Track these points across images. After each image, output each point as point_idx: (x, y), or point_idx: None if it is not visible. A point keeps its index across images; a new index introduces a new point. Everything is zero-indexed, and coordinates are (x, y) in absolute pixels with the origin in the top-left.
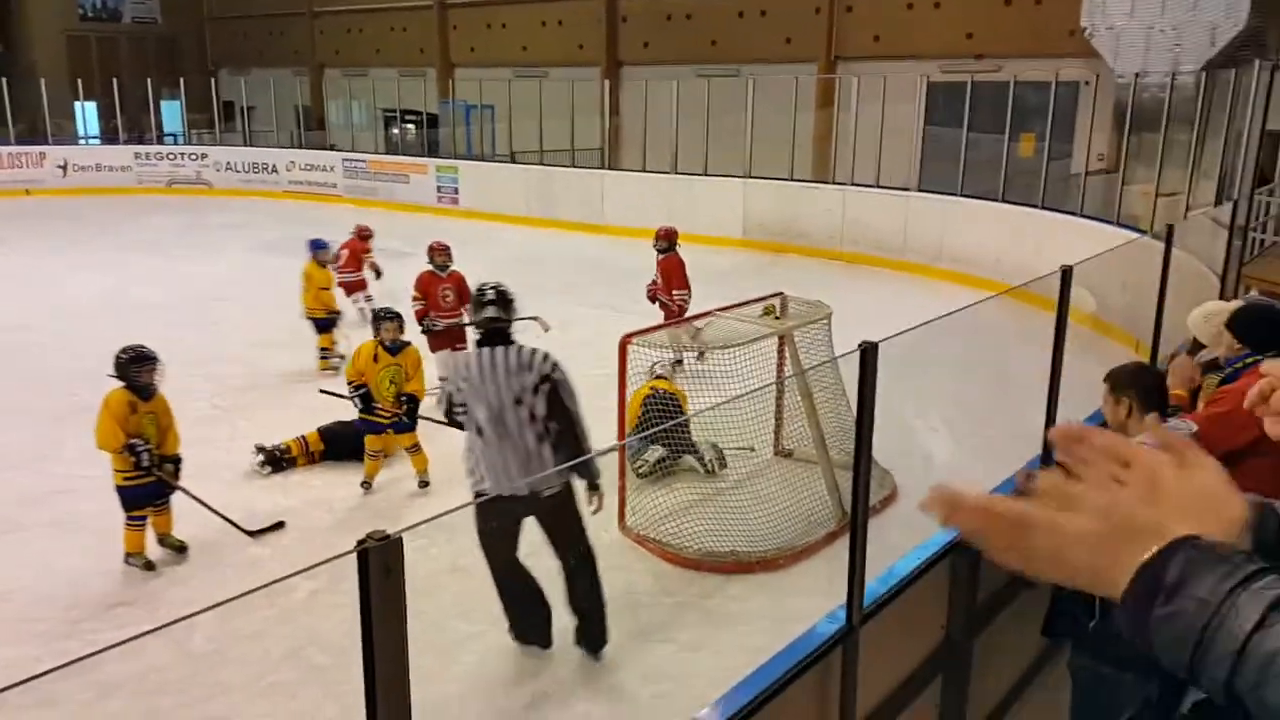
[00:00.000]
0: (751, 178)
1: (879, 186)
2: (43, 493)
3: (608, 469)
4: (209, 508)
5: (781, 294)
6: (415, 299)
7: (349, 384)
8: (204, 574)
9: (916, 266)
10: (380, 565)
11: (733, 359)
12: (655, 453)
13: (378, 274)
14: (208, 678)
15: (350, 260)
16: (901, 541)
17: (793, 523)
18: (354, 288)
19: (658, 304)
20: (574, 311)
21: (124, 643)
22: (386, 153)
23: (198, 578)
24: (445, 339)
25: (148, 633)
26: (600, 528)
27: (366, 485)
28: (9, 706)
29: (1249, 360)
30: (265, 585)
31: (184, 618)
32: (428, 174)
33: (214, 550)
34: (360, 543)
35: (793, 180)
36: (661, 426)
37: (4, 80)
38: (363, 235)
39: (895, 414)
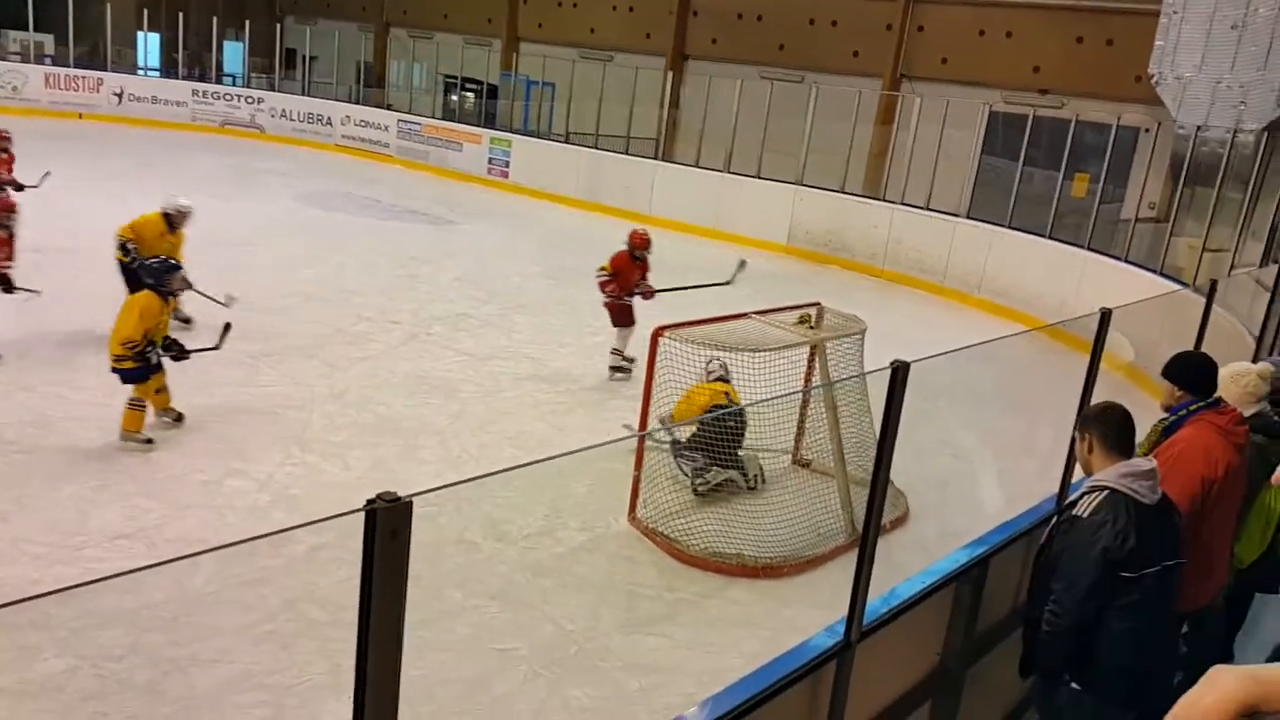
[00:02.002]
0: (803, 185)
1: (928, 209)
2: (55, 418)
3: (625, 459)
4: None
5: (818, 304)
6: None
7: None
8: (205, 512)
9: (956, 293)
10: (387, 528)
11: (764, 362)
12: (718, 476)
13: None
14: (203, 620)
15: None
16: (907, 563)
17: (802, 533)
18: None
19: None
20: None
21: (119, 575)
22: (443, 118)
23: (197, 516)
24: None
25: (149, 567)
26: (610, 516)
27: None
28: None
29: (1193, 407)
30: (267, 535)
31: (185, 556)
32: (481, 144)
33: (221, 493)
34: (370, 502)
35: (843, 193)
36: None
37: (70, 1)
38: None
39: (916, 436)
